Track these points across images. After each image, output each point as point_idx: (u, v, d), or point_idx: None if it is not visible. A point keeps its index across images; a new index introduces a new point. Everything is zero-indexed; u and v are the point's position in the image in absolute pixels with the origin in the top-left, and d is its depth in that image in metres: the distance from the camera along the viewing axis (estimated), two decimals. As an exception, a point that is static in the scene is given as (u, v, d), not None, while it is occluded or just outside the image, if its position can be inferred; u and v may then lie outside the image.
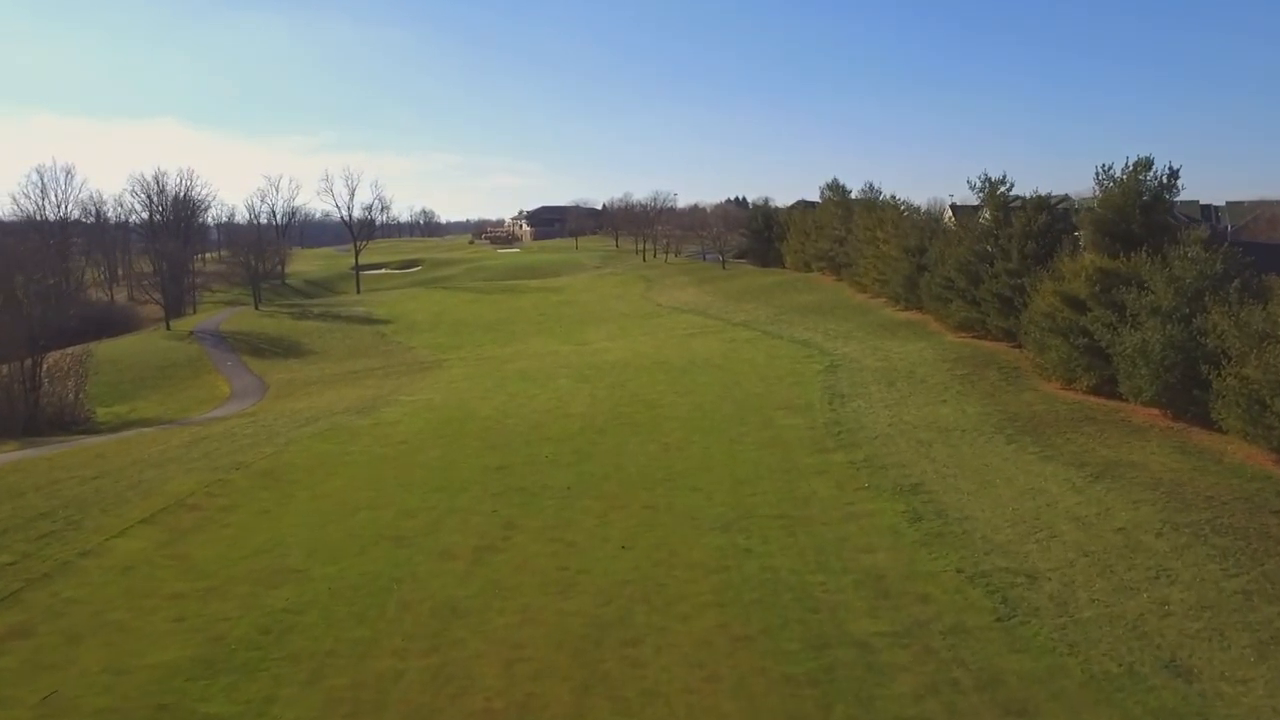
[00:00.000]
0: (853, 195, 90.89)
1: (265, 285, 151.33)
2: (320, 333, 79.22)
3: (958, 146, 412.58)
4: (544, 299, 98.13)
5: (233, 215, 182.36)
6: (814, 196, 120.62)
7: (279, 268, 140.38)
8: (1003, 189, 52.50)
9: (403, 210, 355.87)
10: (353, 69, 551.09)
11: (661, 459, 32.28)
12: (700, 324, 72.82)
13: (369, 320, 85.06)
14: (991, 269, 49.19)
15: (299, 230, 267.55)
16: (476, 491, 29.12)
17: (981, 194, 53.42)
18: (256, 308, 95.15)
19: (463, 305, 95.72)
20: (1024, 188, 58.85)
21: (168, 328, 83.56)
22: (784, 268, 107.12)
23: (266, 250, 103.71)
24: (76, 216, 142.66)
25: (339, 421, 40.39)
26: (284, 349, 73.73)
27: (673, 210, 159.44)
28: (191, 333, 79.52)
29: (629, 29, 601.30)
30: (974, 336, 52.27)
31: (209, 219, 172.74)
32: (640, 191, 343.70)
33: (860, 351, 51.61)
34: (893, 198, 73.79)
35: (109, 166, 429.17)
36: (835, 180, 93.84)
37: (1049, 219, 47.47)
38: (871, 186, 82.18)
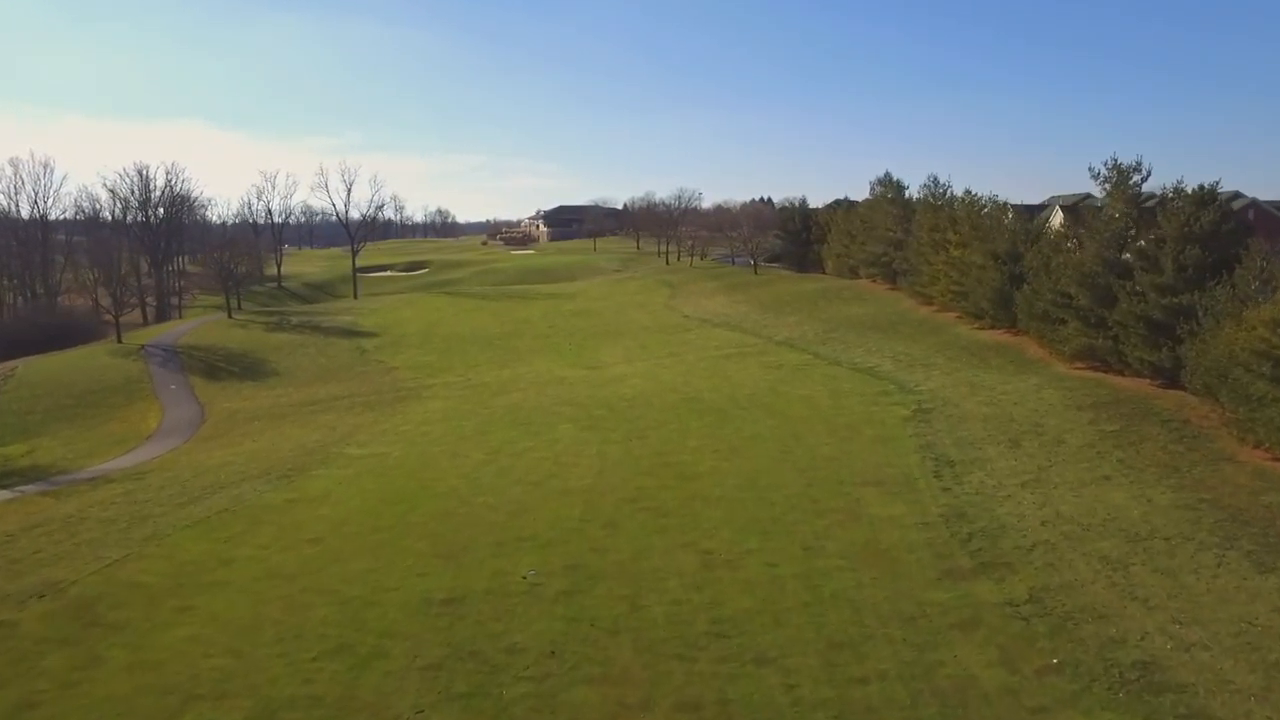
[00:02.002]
0: (908, 191, 78.58)
1: (261, 289, 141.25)
2: (291, 348, 68.02)
3: (978, 148, 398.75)
4: (554, 308, 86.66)
5: (243, 216, 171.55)
6: (838, 196, 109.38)
7: (264, 269, 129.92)
8: (1136, 178, 40.64)
9: (417, 210, 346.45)
10: (377, 70, 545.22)
11: (704, 587, 20.64)
12: (736, 342, 61.09)
13: (351, 332, 73.80)
14: (1131, 284, 37.29)
15: (309, 229, 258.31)
16: (399, 659, 17.60)
17: (1107, 184, 41.53)
18: (230, 315, 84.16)
19: (462, 315, 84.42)
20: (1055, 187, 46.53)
21: (119, 340, 72.61)
22: (824, 273, 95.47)
23: (244, 251, 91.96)
24: (57, 214, 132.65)
25: (244, 495, 28.99)
26: (244, 368, 62.59)
27: (697, 211, 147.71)
28: (143, 348, 68.51)
29: (650, 29, 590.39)
30: (1095, 369, 40.37)
31: (213, 217, 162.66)
32: (663, 190, 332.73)
33: (951, 388, 39.73)
34: (967, 193, 61.59)
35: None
36: (888, 175, 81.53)
37: (1218, 218, 35.44)
38: (936, 181, 69.89)
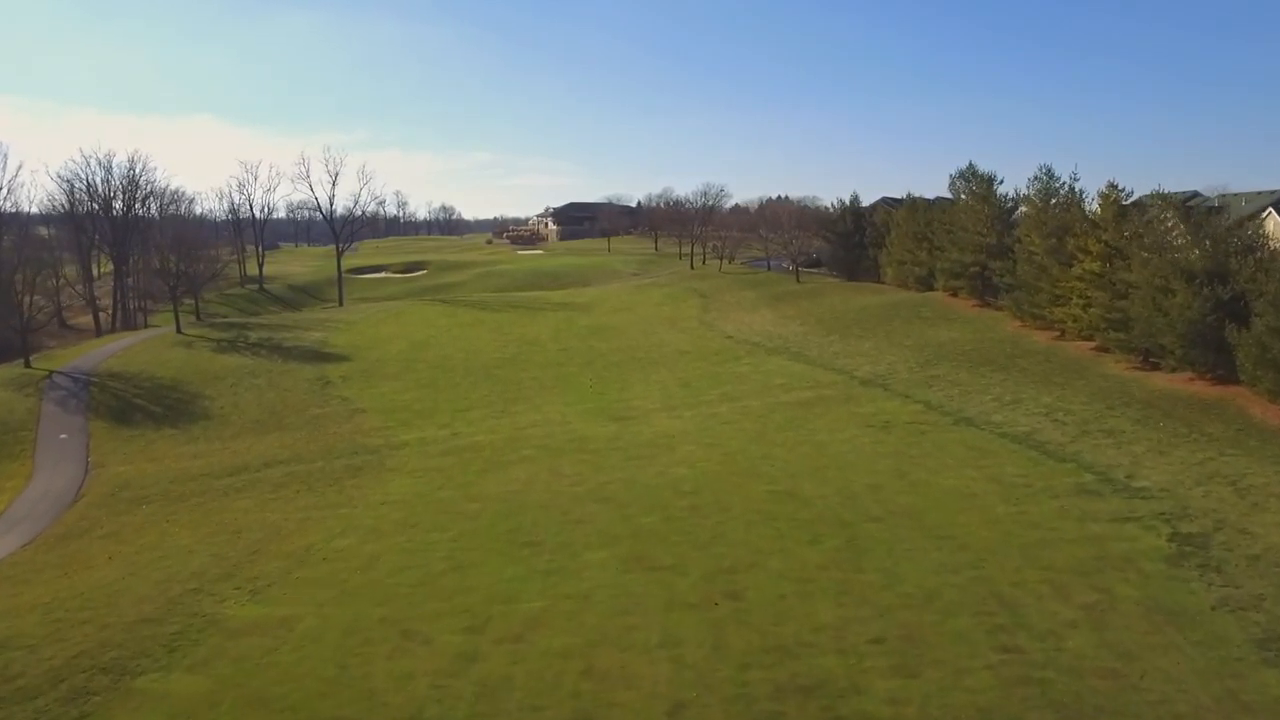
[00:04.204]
0: (1000, 188, 64.05)
1: (241, 291, 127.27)
2: (237, 377, 53.88)
3: (988, 148, 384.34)
4: (568, 322, 72.46)
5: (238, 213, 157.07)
6: (860, 198, 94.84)
7: (246, 269, 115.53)
8: None
9: (421, 206, 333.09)
10: (389, 66, 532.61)
11: None
12: (805, 378, 46.86)
13: (317, 355, 59.55)
14: None
15: (306, 225, 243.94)
16: None
17: None
18: (178, 330, 69.94)
19: (457, 330, 70.30)
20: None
21: (26, 364, 58.42)
22: (880, 283, 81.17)
23: (195, 251, 76.92)
24: (20, 207, 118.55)
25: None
26: (167, 408, 48.47)
27: (720, 210, 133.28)
28: (50, 375, 54.44)
29: (663, 26, 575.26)
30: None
31: (208, 214, 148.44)
32: (682, 187, 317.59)
33: (1197, 485, 25.38)
34: (1111, 187, 47.05)
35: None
36: (971, 166, 66.97)
37: None
38: (1051, 174, 55.31)
